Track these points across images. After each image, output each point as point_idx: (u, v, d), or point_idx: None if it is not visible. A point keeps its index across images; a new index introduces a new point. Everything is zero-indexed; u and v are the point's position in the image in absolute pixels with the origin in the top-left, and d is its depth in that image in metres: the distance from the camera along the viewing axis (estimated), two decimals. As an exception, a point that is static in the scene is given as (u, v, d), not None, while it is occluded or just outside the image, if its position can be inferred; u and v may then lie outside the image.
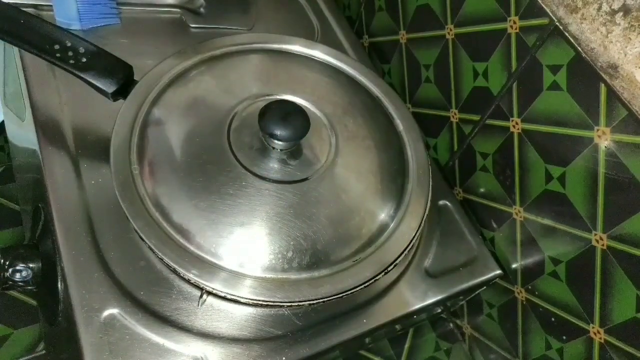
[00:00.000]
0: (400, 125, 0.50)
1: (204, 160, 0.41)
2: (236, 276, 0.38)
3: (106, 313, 0.39)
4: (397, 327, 0.54)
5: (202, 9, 0.60)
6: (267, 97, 0.46)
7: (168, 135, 0.43)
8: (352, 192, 0.44)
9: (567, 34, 0.41)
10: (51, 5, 0.53)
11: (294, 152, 0.43)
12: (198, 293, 0.41)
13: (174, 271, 0.38)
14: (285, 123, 0.39)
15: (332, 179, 0.43)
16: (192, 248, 0.38)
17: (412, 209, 0.45)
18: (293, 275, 0.39)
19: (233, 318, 0.41)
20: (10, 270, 0.42)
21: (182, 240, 0.38)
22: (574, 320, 0.45)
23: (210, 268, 0.38)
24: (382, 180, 0.46)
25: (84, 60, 0.42)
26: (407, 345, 0.61)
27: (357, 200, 0.44)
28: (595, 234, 0.42)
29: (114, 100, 0.44)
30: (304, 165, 0.43)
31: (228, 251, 0.39)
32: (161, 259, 0.38)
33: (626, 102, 0.37)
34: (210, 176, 0.41)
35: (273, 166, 0.42)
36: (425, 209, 0.45)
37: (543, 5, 0.42)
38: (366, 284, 0.41)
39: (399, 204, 0.45)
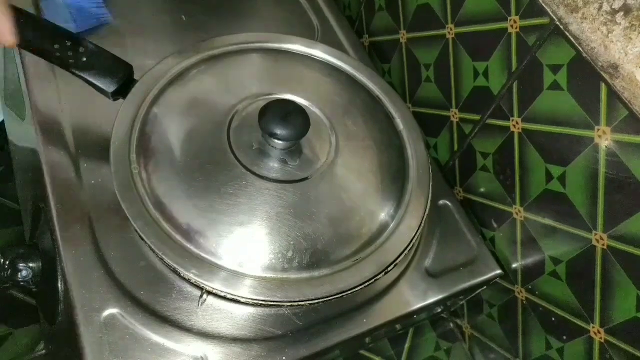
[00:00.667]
0: (400, 124, 0.50)
1: (204, 160, 0.41)
2: (236, 276, 0.38)
3: (106, 313, 0.39)
4: (397, 326, 0.54)
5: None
6: (267, 97, 0.46)
7: (168, 135, 0.43)
8: (352, 191, 0.44)
9: (567, 34, 0.41)
10: (51, 5, 0.53)
11: (294, 151, 0.43)
12: (198, 293, 0.41)
13: (174, 271, 0.38)
14: (285, 122, 0.39)
15: (332, 179, 0.43)
16: (192, 247, 0.38)
17: (412, 209, 0.45)
18: (293, 275, 0.39)
19: (233, 318, 0.41)
20: (10, 269, 0.42)
21: (182, 240, 0.38)
22: (574, 320, 0.45)
23: (210, 267, 0.38)
24: (382, 180, 0.46)
25: (84, 59, 0.42)
26: (407, 345, 0.61)
27: (357, 199, 0.44)
28: (596, 234, 0.42)
29: (114, 100, 0.43)
30: (304, 165, 0.43)
31: (228, 250, 0.39)
32: (161, 259, 0.38)
33: (626, 101, 0.37)
34: (210, 175, 0.41)
35: (273, 165, 0.42)
36: (425, 209, 0.45)
37: (543, 5, 0.42)
38: (366, 284, 0.41)
39: (399, 203, 0.45)
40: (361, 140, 0.47)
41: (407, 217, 0.44)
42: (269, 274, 0.39)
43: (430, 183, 0.47)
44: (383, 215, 0.44)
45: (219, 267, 0.38)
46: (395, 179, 0.46)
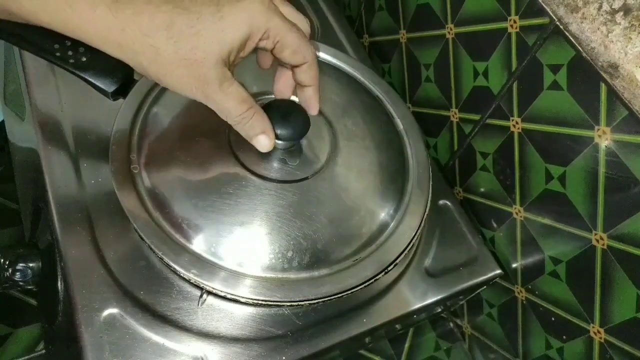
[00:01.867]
0: (400, 124, 0.50)
1: (204, 160, 0.41)
2: (236, 276, 0.38)
3: (106, 313, 0.39)
4: (397, 326, 0.54)
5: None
6: (267, 97, 0.46)
7: (168, 135, 0.43)
8: (352, 191, 0.44)
9: (567, 34, 0.41)
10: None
11: (294, 151, 0.43)
12: (198, 293, 0.41)
13: (174, 271, 0.38)
14: (285, 122, 0.39)
15: (332, 179, 0.43)
16: (191, 247, 0.38)
17: (412, 209, 0.45)
18: (293, 275, 0.39)
19: (233, 318, 0.41)
20: (10, 269, 0.42)
21: (181, 240, 0.38)
22: (574, 320, 0.45)
23: (210, 267, 0.38)
24: (382, 180, 0.46)
25: (84, 59, 0.42)
26: (407, 345, 0.61)
27: (357, 199, 0.44)
28: (596, 234, 0.42)
29: (114, 100, 0.43)
30: (304, 165, 0.43)
31: (228, 250, 0.39)
32: (161, 259, 0.38)
33: (626, 101, 0.37)
34: (210, 175, 0.41)
35: (273, 165, 0.42)
36: (425, 209, 0.45)
37: (543, 5, 0.42)
38: (366, 284, 0.41)
39: (399, 203, 0.45)
40: (361, 140, 0.47)
41: (407, 217, 0.44)
42: (269, 274, 0.39)
43: (430, 183, 0.47)
44: (383, 215, 0.44)
45: (219, 267, 0.38)
46: (395, 179, 0.46)
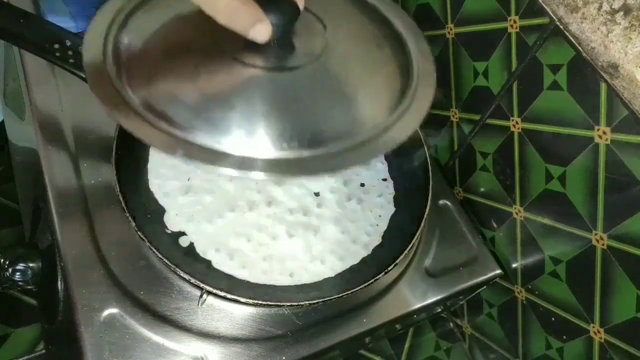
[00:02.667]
0: (400, 26, 0.44)
1: (191, 50, 0.38)
2: (246, 160, 0.34)
3: (106, 313, 0.39)
4: (397, 326, 0.54)
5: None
6: None
7: (151, 30, 0.39)
8: (349, 84, 0.40)
9: (567, 34, 0.41)
10: (51, 4, 0.53)
11: (285, 42, 0.39)
12: (198, 293, 0.41)
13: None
14: (272, 6, 0.36)
15: (326, 70, 0.39)
16: (190, 137, 0.34)
17: (414, 107, 0.40)
18: (307, 153, 0.35)
19: (233, 318, 0.41)
20: (10, 269, 0.42)
21: (175, 131, 0.34)
22: (574, 320, 0.45)
23: (219, 154, 0.34)
24: (381, 72, 0.41)
25: (84, 59, 0.42)
26: (407, 345, 0.61)
27: (354, 92, 0.40)
28: (596, 234, 0.42)
29: (114, 100, 0.43)
30: (295, 56, 0.38)
31: (231, 140, 0.34)
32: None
33: (626, 101, 0.37)
34: (195, 63, 0.37)
35: (262, 54, 0.38)
36: (428, 107, 0.41)
37: (543, 5, 0.42)
38: (366, 285, 0.41)
39: (402, 96, 0.40)
40: (358, 37, 0.43)
41: (414, 105, 0.40)
42: (279, 155, 0.35)
43: (435, 77, 0.42)
44: (382, 109, 0.39)
45: (226, 155, 0.34)
46: (395, 73, 0.42)
